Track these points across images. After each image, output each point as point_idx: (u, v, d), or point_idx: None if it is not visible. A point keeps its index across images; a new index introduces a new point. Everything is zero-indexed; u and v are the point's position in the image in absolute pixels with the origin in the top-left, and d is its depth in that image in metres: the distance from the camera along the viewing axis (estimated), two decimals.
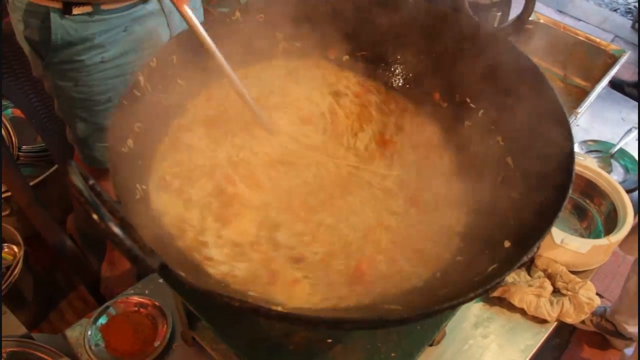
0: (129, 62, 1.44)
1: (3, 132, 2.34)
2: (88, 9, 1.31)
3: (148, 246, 0.65)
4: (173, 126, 1.01)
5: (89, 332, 1.25)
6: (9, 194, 2.06)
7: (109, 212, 0.62)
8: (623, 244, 1.46)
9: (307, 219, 0.94)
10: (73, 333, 1.27)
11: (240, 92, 1.00)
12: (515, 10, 2.63)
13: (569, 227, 1.54)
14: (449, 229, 0.94)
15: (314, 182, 1.00)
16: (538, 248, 0.73)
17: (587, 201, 1.56)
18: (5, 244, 2.00)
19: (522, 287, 1.33)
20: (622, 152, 1.81)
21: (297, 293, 0.83)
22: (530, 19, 1.93)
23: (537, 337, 1.30)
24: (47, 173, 2.40)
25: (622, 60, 1.92)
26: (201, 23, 0.94)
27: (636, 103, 2.07)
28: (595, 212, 1.54)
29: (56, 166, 2.39)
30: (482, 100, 1.03)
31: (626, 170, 1.77)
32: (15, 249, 2.01)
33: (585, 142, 1.84)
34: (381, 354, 0.98)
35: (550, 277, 1.38)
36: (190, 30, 0.93)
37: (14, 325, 1.35)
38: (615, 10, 4.79)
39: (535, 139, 0.93)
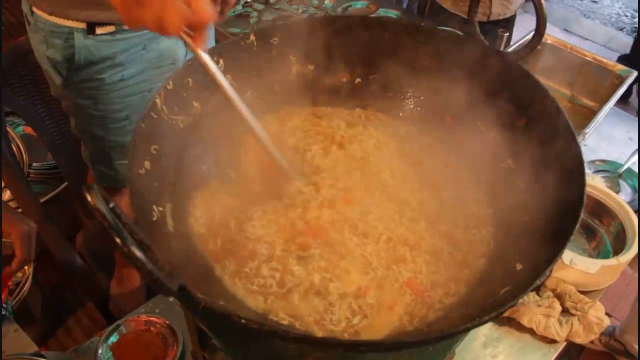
0: (147, 80, 1.47)
1: (14, 148, 2.37)
2: (111, 28, 1.35)
3: (167, 268, 0.66)
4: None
5: (100, 351, 1.26)
6: (19, 210, 2.08)
7: (129, 234, 0.63)
8: (632, 263, 1.47)
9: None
10: (84, 351, 1.27)
11: (265, 145, 0.97)
12: (517, 29, 2.66)
13: (578, 247, 1.55)
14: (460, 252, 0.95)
15: None
16: (551, 272, 0.74)
17: (596, 221, 1.56)
18: None
19: (531, 307, 1.34)
20: (630, 172, 1.81)
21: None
22: None
23: (546, 357, 1.30)
24: (57, 190, 2.42)
25: (629, 80, 1.93)
26: (215, 46, 0.96)
27: None
28: (603, 232, 1.54)
29: (66, 183, 2.41)
30: (493, 124, 1.05)
31: (634, 190, 1.77)
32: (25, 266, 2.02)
33: (593, 162, 1.85)
34: None
35: (559, 297, 1.38)
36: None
37: (24, 342, 1.36)
38: (622, 30, 4.82)
39: (545, 162, 0.94)
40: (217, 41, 1.91)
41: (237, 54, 1.06)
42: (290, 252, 0.94)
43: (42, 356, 1.26)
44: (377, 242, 0.97)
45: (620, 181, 1.79)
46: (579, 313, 1.34)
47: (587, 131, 1.70)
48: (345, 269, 0.92)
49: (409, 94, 1.16)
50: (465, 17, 2.41)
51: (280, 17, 2.24)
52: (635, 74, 1.96)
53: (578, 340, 1.32)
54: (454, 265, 0.94)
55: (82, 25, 1.32)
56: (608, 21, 4.95)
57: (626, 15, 5.02)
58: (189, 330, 1.17)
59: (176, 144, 0.97)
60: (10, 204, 2.07)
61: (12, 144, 2.35)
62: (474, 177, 1.06)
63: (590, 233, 1.56)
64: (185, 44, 0.88)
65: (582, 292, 1.38)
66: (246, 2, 2.32)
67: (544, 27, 0.97)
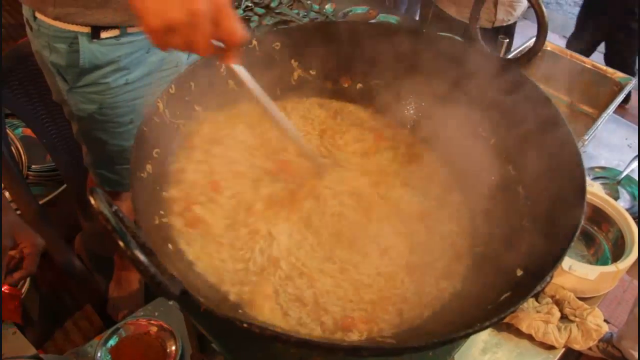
0: (151, 83, 1.47)
1: (13, 150, 2.37)
2: (115, 32, 1.35)
3: (169, 272, 0.66)
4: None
5: (99, 354, 1.26)
6: (18, 212, 2.08)
7: (132, 238, 0.64)
8: (631, 270, 1.47)
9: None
10: (83, 354, 1.27)
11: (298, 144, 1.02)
12: (517, 36, 2.67)
13: (577, 253, 1.55)
14: (461, 257, 0.95)
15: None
16: (551, 278, 0.74)
17: (595, 228, 1.56)
18: None
19: (530, 313, 1.34)
20: (629, 179, 1.82)
21: None
22: None
23: None
24: (56, 192, 2.42)
25: (628, 88, 1.94)
26: None
27: None
28: (602, 239, 1.55)
29: (65, 186, 2.41)
30: (494, 130, 1.05)
31: (633, 197, 1.78)
32: None
33: (592, 168, 1.85)
34: None
35: (558, 303, 1.38)
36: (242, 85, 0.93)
37: (23, 345, 1.35)
38: None
39: (546, 168, 0.95)
40: None
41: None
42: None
43: (41, 359, 1.26)
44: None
45: (619, 188, 1.80)
46: (577, 319, 1.34)
47: (586, 138, 1.71)
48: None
49: (410, 99, 1.16)
50: (466, 22, 2.42)
51: (281, 22, 2.25)
52: (634, 81, 1.97)
53: (576, 347, 1.32)
54: (454, 271, 0.94)
55: (87, 30, 1.32)
56: None
57: None
58: (189, 334, 1.17)
59: (178, 148, 0.97)
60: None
61: (11, 146, 2.35)
62: (474, 182, 1.06)
63: (589, 240, 1.57)
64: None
65: (580, 299, 1.38)
66: (247, 7, 2.33)
67: (545, 35, 0.98)
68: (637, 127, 2.10)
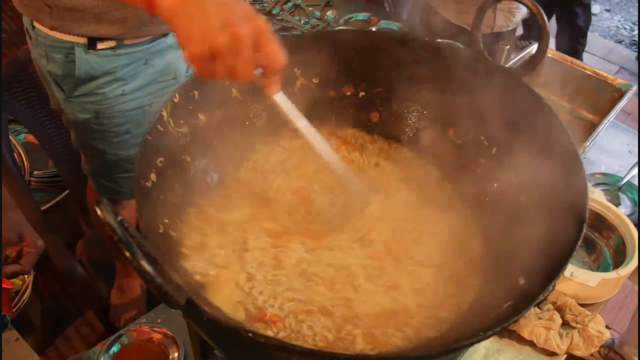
0: (148, 94, 1.47)
1: (15, 156, 2.38)
2: (112, 43, 1.35)
3: (174, 281, 0.67)
4: None
5: None
6: None
7: (137, 247, 0.64)
8: (632, 276, 1.47)
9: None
10: None
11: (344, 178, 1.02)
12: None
13: (578, 260, 1.55)
14: (464, 265, 0.96)
15: None
16: (553, 287, 0.75)
17: (596, 234, 1.57)
18: None
19: (531, 319, 1.34)
20: (630, 185, 1.82)
21: None
22: None
23: None
24: (58, 198, 2.43)
25: (629, 94, 1.95)
26: None
27: None
28: (603, 245, 1.55)
29: (67, 192, 2.41)
30: (495, 138, 1.06)
31: (634, 203, 1.78)
32: None
33: (593, 175, 1.85)
34: None
35: (560, 309, 1.38)
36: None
37: (25, 351, 1.36)
38: (620, 42, 4.85)
39: (548, 176, 0.95)
40: None
41: None
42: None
43: None
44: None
45: (620, 194, 1.80)
46: (579, 326, 1.34)
47: (587, 144, 1.71)
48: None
49: (412, 107, 1.17)
50: (469, 28, 2.43)
51: (283, 28, 2.26)
52: (634, 87, 1.98)
53: (578, 353, 1.32)
54: (457, 279, 0.95)
55: (83, 40, 1.32)
56: (607, 34, 4.98)
57: (625, 28, 5.06)
58: (191, 341, 1.17)
59: (181, 157, 0.98)
60: None
61: (13, 152, 2.35)
62: (477, 190, 1.07)
63: (590, 246, 1.57)
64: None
65: (582, 305, 1.38)
66: None
67: (547, 44, 0.99)
68: (637, 133, 2.10)
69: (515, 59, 1.96)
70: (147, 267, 0.60)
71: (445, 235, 1.02)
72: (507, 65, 1.89)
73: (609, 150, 2.00)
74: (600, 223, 1.55)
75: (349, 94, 1.18)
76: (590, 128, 1.91)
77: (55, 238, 1.90)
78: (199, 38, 0.74)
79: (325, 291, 0.92)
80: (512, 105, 1.02)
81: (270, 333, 0.85)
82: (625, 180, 1.82)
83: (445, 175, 1.12)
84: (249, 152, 1.14)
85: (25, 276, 1.99)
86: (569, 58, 2.09)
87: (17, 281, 2.01)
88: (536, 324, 1.33)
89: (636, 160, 1.90)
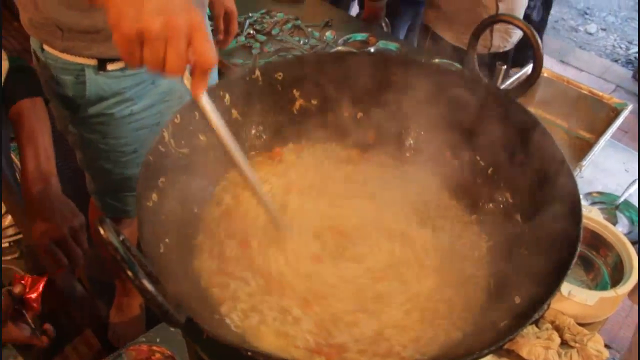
0: (155, 114, 1.50)
1: (17, 175, 2.38)
2: (121, 64, 1.37)
3: (175, 301, 0.68)
4: None
5: None
6: (19, 236, 2.09)
7: (139, 267, 0.65)
8: (631, 294, 1.48)
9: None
10: None
11: (257, 193, 0.95)
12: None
13: (576, 278, 1.56)
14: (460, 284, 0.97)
15: None
16: (548, 305, 0.76)
17: (593, 253, 1.57)
18: None
19: (530, 338, 1.34)
20: (627, 204, 1.83)
21: None
22: None
23: None
24: None
25: (625, 113, 1.97)
26: (221, 80, 0.99)
27: None
28: (601, 264, 1.56)
29: None
30: (490, 159, 1.07)
31: (631, 221, 1.79)
32: None
33: (589, 194, 1.87)
34: None
35: (558, 329, 1.39)
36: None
37: None
38: (616, 61, 4.90)
39: (543, 196, 0.97)
40: (220, 72, 1.95)
41: (242, 88, 1.09)
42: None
43: None
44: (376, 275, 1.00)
45: (618, 213, 1.81)
46: (578, 345, 1.35)
47: (583, 163, 1.73)
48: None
49: (409, 128, 1.19)
50: (463, 48, 2.46)
51: (283, 49, 2.28)
52: (630, 106, 2.00)
53: None
54: (453, 298, 0.95)
55: (93, 62, 1.35)
56: (603, 53, 5.03)
57: (621, 47, 5.11)
58: None
59: (182, 176, 0.99)
60: (11, 229, 2.09)
61: (15, 171, 2.36)
62: (472, 209, 1.08)
63: (587, 265, 1.58)
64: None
65: (581, 324, 1.38)
66: (249, 34, 2.36)
67: (541, 66, 1.01)
68: (634, 151, 2.12)
69: (512, 80, 1.99)
70: (149, 286, 0.61)
71: (441, 254, 1.03)
72: (503, 86, 1.91)
73: (605, 169, 2.02)
74: (598, 242, 1.56)
75: (346, 115, 1.20)
76: (587, 147, 1.93)
77: None
78: (131, 18, 0.70)
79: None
80: (507, 126, 1.04)
81: None
82: (622, 199, 1.83)
83: (442, 195, 1.13)
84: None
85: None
86: (565, 77, 2.12)
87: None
88: (535, 343, 1.33)
89: (632, 178, 1.91)
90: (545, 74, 2.10)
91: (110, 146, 1.49)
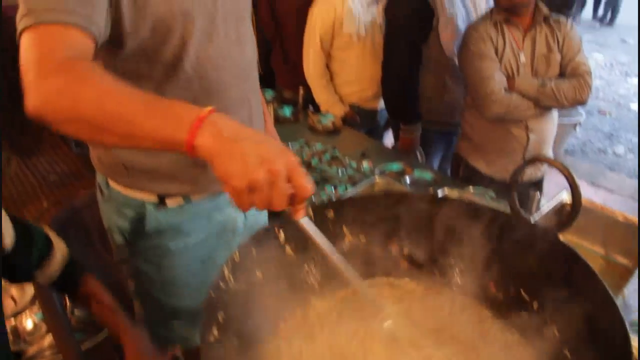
0: (208, 248, 1.56)
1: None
2: (181, 201, 1.45)
3: None
4: None
5: None
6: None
7: None
8: None
9: None
10: None
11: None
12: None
13: None
14: None
15: None
16: None
17: None
18: None
19: None
20: None
21: None
22: (568, 201, 2.06)
23: None
24: (99, 339, 2.45)
25: None
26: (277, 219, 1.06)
27: None
28: None
29: (107, 333, 2.44)
30: (535, 293, 1.11)
31: None
32: None
33: (633, 321, 1.84)
34: None
35: None
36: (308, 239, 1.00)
37: None
38: None
39: (588, 328, 0.99)
40: None
41: (296, 226, 1.16)
42: None
43: None
44: None
45: None
46: None
47: (626, 292, 1.73)
48: None
49: (453, 263, 1.23)
50: (497, 179, 2.55)
51: (322, 179, 2.37)
52: None
53: None
54: None
55: (154, 198, 1.43)
56: (633, 174, 5.09)
57: None
58: None
59: (240, 312, 1.04)
60: (48, 352, 2.11)
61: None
62: (520, 344, 1.10)
63: None
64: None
65: None
66: None
67: (579, 205, 1.06)
68: None
69: (546, 208, 2.04)
70: None
71: None
72: (538, 214, 1.96)
73: None
74: None
75: (393, 251, 1.25)
76: (626, 272, 1.93)
77: None
78: (239, 174, 0.82)
79: None
80: (549, 261, 1.08)
81: None
82: None
83: (489, 326, 1.16)
84: (303, 308, 1.21)
85: None
86: (599, 204, 2.16)
87: None
88: None
89: None
90: None
91: (164, 277, 1.55)
